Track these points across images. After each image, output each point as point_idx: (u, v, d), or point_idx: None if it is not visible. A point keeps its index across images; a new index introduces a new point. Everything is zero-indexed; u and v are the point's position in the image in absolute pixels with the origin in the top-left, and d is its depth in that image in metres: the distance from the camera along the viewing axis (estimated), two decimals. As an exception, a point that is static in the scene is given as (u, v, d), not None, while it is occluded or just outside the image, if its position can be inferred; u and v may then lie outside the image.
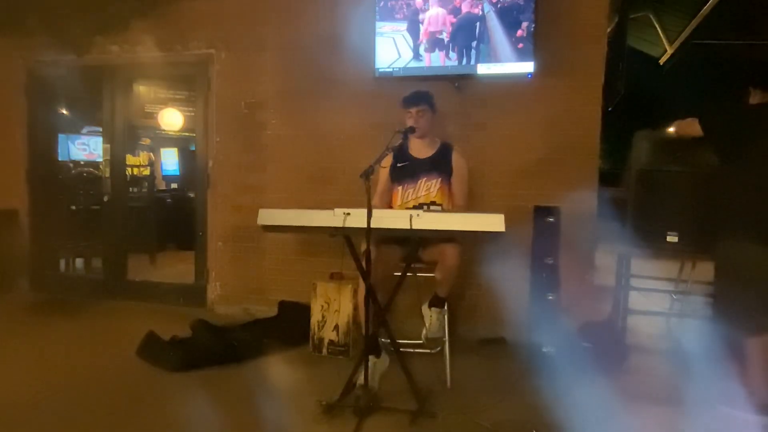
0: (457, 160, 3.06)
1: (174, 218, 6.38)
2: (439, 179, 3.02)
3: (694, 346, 2.85)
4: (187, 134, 7.27)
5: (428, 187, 3.02)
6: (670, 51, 6.48)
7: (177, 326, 3.38)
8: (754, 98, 2.65)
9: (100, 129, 4.93)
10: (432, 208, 2.97)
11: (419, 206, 2.96)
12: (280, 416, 2.42)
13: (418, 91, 3.06)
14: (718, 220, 2.66)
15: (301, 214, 2.60)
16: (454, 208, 2.99)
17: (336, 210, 2.48)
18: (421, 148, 3.09)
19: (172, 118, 7.00)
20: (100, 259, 4.88)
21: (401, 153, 3.08)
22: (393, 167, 3.08)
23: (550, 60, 3.41)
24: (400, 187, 3.07)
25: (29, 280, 4.72)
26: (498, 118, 3.56)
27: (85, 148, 6.58)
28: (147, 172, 6.96)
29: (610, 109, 4.01)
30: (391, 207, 3.09)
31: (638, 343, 3.33)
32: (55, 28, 4.24)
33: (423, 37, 3.55)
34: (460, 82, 3.55)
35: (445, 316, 2.96)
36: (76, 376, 2.86)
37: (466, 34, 3.48)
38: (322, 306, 3.29)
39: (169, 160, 7.72)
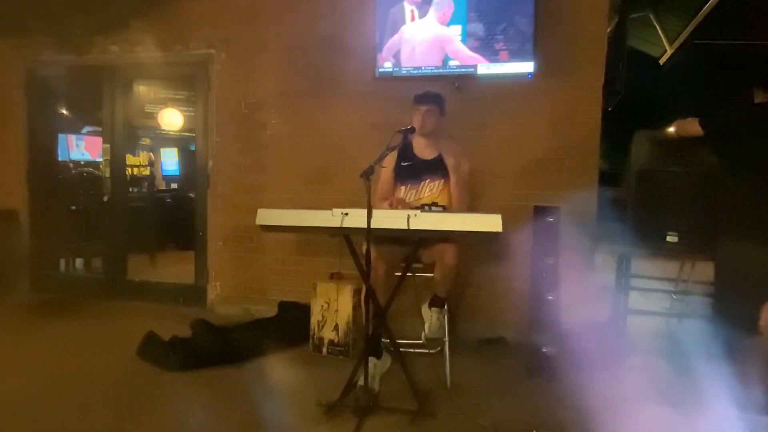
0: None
1: (174, 218, 6.37)
2: (442, 180, 3.02)
3: (694, 346, 2.85)
4: (187, 134, 7.27)
5: (431, 188, 3.03)
6: (670, 51, 6.49)
7: (177, 326, 3.38)
8: (758, 97, 2.65)
9: (100, 129, 4.94)
10: (433, 209, 2.97)
11: (420, 207, 2.96)
12: (280, 416, 2.41)
13: (430, 92, 3.06)
14: (718, 220, 2.66)
15: (299, 214, 2.60)
16: (452, 194, 2.99)
17: (334, 210, 2.48)
18: (425, 149, 3.09)
19: (172, 118, 6.99)
20: (100, 259, 4.88)
21: (406, 152, 3.08)
22: (397, 166, 3.08)
23: (550, 60, 3.41)
24: (403, 187, 3.07)
25: (29, 280, 4.72)
26: (498, 118, 3.56)
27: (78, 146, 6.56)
28: (147, 172, 6.97)
29: (610, 109, 4.01)
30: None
31: (638, 343, 3.33)
32: (55, 28, 4.24)
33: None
34: (460, 82, 3.55)
35: (445, 316, 2.96)
36: (76, 376, 2.86)
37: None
38: (322, 306, 3.29)
39: (169, 160, 7.72)
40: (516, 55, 3.39)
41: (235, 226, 4.10)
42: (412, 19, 3.58)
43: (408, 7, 3.58)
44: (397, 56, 3.62)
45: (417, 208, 2.88)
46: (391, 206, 2.95)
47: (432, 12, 3.53)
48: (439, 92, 3.10)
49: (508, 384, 2.85)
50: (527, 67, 3.37)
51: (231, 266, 4.16)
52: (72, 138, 6.42)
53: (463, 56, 3.48)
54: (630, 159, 3.22)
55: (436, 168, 3.03)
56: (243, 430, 2.36)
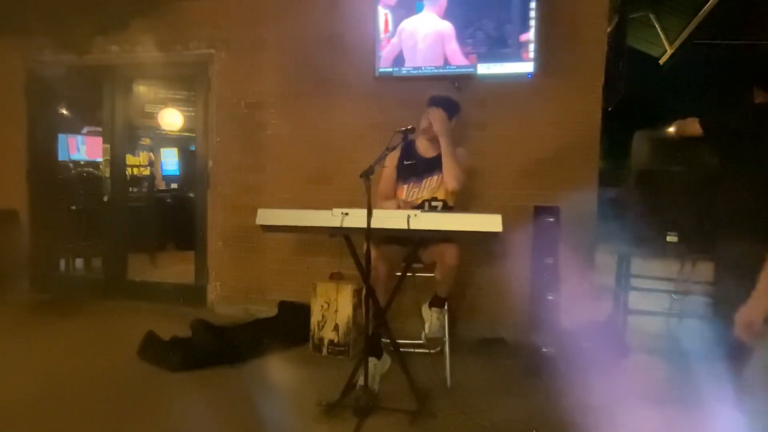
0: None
1: (174, 218, 6.38)
2: (441, 174, 3.01)
3: (694, 346, 2.85)
4: (187, 134, 7.27)
5: (430, 183, 3.03)
6: (670, 51, 6.48)
7: (177, 326, 3.38)
8: (758, 97, 2.65)
9: (100, 129, 4.94)
10: (433, 203, 2.98)
11: (420, 205, 2.97)
12: (280, 416, 2.41)
13: (443, 97, 3.06)
14: (718, 220, 2.66)
15: (299, 214, 2.60)
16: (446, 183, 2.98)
17: (334, 210, 2.48)
18: (428, 148, 3.09)
19: (172, 118, 6.99)
20: (100, 259, 4.88)
21: (409, 151, 3.08)
22: (400, 164, 3.08)
23: (550, 60, 3.41)
24: (405, 186, 3.07)
25: (29, 280, 4.72)
26: (498, 118, 3.56)
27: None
28: (147, 172, 6.97)
29: (610, 109, 4.01)
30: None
31: (638, 343, 3.33)
32: (55, 28, 4.24)
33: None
34: (460, 82, 3.55)
35: (445, 316, 2.96)
36: (76, 376, 2.86)
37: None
38: (322, 306, 3.29)
39: (169, 160, 7.72)
40: (516, 55, 3.39)
41: (235, 226, 4.10)
42: (386, 23, 3.58)
43: (381, 11, 3.59)
44: (398, 54, 3.61)
45: (417, 207, 2.90)
46: (397, 207, 2.94)
47: (428, 8, 3.52)
48: (454, 99, 3.10)
49: (508, 384, 2.85)
50: (527, 67, 3.37)
51: (231, 266, 4.16)
52: (75, 140, 6.44)
53: (457, 57, 3.49)
54: (630, 159, 3.22)
55: (436, 165, 3.03)
56: (243, 430, 2.36)
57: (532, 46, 3.35)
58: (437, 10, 3.50)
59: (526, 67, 3.37)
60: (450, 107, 3.03)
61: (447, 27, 3.49)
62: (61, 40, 4.31)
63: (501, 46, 3.40)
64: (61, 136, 5.57)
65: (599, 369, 2.70)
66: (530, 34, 3.35)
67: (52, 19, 4.20)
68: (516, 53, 3.39)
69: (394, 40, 3.59)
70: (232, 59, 4.08)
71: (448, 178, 2.93)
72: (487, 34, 3.41)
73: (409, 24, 3.57)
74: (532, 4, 3.33)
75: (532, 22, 3.34)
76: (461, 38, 3.46)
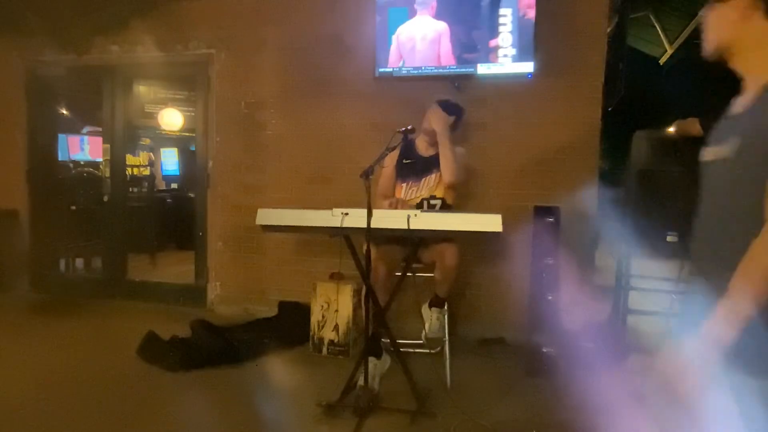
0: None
1: (174, 218, 6.38)
2: (440, 173, 3.02)
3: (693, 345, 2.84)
4: (187, 134, 7.27)
5: (428, 182, 3.03)
6: (670, 51, 6.49)
7: (177, 326, 3.37)
8: None
9: (101, 129, 4.94)
10: (432, 202, 2.98)
11: (420, 204, 2.97)
12: (280, 416, 2.42)
13: (451, 102, 3.07)
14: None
15: (299, 214, 2.60)
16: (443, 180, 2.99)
17: (334, 210, 2.48)
18: (428, 147, 3.09)
19: (172, 118, 6.99)
20: (100, 259, 4.88)
21: (408, 150, 3.09)
22: (399, 163, 3.09)
23: (550, 60, 3.41)
24: (404, 184, 3.07)
25: (29, 280, 4.72)
26: (498, 118, 3.56)
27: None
28: (147, 172, 6.97)
29: (610, 109, 4.01)
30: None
31: (638, 343, 3.32)
32: (55, 28, 4.24)
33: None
34: (460, 82, 3.55)
35: (445, 316, 2.96)
36: (76, 376, 2.86)
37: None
38: (322, 306, 3.29)
39: (169, 160, 7.72)
40: (516, 55, 3.40)
41: (235, 226, 4.10)
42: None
43: None
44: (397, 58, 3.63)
45: (417, 206, 2.90)
46: (391, 206, 2.95)
47: (422, 12, 3.54)
48: (460, 104, 3.10)
49: (508, 384, 2.85)
50: (527, 67, 3.37)
51: (231, 266, 4.16)
52: (76, 140, 6.44)
53: (448, 56, 3.52)
54: (630, 159, 3.22)
55: (435, 163, 3.03)
56: (243, 430, 2.36)
57: (501, 51, 3.41)
58: (430, 12, 3.52)
59: (526, 67, 3.37)
60: (452, 109, 3.05)
61: (443, 26, 3.52)
62: (61, 40, 4.31)
63: (470, 51, 3.47)
64: (61, 136, 5.58)
65: (599, 369, 2.70)
66: (499, 40, 3.41)
67: (52, 19, 4.20)
68: (484, 57, 3.45)
69: (393, 48, 3.60)
70: (232, 59, 4.08)
71: (445, 172, 2.93)
72: (458, 39, 3.48)
73: (404, 29, 3.58)
74: (501, 11, 3.39)
75: (501, 29, 3.40)
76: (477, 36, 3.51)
